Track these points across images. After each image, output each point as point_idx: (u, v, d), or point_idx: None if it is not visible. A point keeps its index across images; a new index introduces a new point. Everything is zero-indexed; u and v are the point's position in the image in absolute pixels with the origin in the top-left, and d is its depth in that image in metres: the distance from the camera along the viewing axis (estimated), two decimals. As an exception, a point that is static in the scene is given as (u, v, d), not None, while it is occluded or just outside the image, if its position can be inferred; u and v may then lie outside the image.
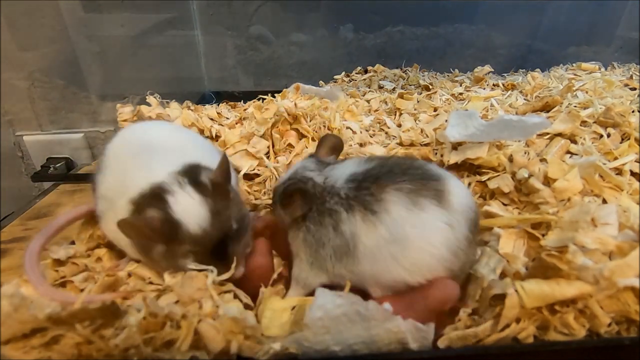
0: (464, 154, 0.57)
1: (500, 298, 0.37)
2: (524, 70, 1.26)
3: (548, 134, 0.66)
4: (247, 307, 0.39)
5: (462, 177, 0.58)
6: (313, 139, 0.72)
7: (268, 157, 0.69)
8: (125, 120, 0.71)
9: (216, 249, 0.39)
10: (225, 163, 0.41)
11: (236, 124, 0.80)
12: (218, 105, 0.93)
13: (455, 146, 0.60)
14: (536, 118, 0.56)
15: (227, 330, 0.34)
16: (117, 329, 0.33)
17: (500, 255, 0.41)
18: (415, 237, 0.37)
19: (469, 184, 0.57)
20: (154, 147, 0.46)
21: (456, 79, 1.17)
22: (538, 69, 1.22)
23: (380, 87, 1.12)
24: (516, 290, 0.36)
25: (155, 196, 0.39)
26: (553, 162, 0.53)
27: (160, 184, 0.39)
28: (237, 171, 0.63)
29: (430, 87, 1.05)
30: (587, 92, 0.86)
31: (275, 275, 0.44)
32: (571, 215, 0.43)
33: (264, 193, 0.62)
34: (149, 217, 0.38)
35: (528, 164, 0.53)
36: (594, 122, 0.69)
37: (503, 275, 0.40)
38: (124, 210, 0.40)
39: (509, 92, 0.99)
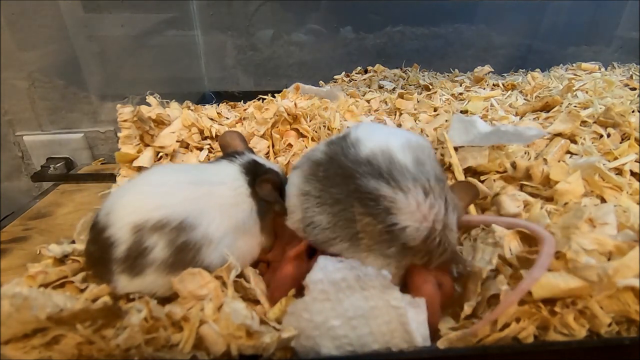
0: (465, 161, 0.57)
1: (497, 298, 0.37)
2: (524, 70, 1.26)
3: (548, 133, 0.66)
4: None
5: (464, 177, 0.58)
6: (313, 139, 0.72)
7: (268, 157, 0.69)
8: (125, 121, 0.71)
9: None
10: None
11: (236, 123, 0.80)
12: (218, 105, 0.92)
13: (456, 148, 0.61)
14: (533, 130, 0.57)
15: (228, 334, 0.34)
16: (119, 329, 0.33)
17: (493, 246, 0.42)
18: None
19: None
20: None
21: (456, 79, 1.17)
22: (538, 69, 1.22)
23: (380, 87, 1.12)
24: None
25: None
26: (554, 165, 0.53)
27: None
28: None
29: (430, 87, 1.05)
30: (587, 92, 0.86)
31: None
32: (564, 221, 0.43)
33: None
34: None
35: (531, 166, 0.53)
36: (594, 122, 0.69)
37: (499, 273, 0.40)
38: None
39: (509, 92, 0.99)
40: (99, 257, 0.39)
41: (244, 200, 0.45)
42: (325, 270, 0.35)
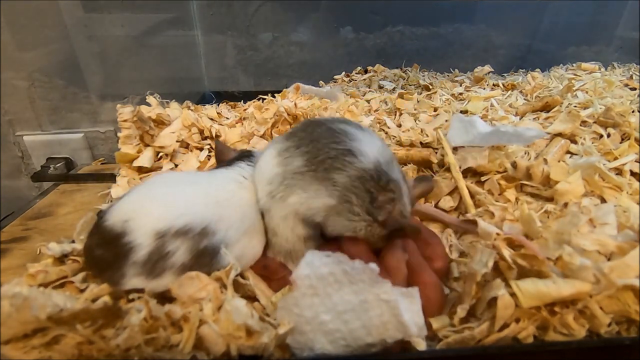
0: (465, 161, 0.57)
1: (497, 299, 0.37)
2: (524, 70, 1.26)
3: (548, 134, 0.66)
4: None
5: (465, 177, 0.58)
6: (313, 139, 0.72)
7: (268, 157, 0.69)
8: (125, 121, 0.71)
9: None
10: None
11: (236, 123, 0.80)
12: (218, 105, 0.92)
13: (456, 148, 0.61)
14: (533, 131, 0.57)
15: (228, 334, 0.34)
16: (118, 329, 0.33)
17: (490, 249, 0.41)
18: None
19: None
20: None
21: (456, 79, 1.17)
22: (538, 69, 1.22)
23: (380, 87, 1.12)
24: (512, 294, 0.36)
25: None
26: (555, 165, 0.53)
27: None
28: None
29: (430, 87, 1.05)
30: (587, 92, 0.86)
31: None
32: (558, 226, 0.43)
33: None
34: None
35: (531, 166, 0.53)
36: (594, 122, 0.69)
37: (499, 273, 0.40)
38: None
39: (509, 92, 0.99)
40: (111, 261, 0.38)
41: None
42: (312, 266, 0.35)
